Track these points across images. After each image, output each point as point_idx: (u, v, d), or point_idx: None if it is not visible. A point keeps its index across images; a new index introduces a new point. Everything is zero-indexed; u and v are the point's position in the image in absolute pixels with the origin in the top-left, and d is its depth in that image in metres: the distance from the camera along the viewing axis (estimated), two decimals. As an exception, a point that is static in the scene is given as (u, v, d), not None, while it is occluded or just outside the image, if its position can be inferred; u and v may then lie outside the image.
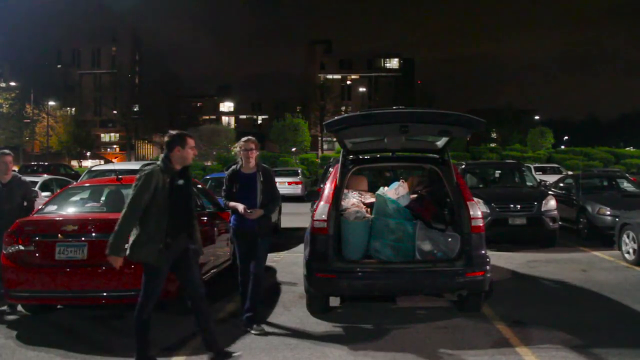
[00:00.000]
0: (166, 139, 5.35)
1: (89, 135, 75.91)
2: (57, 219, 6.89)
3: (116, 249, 5.04)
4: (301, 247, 7.57)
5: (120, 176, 7.99)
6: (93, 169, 15.69)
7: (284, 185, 25.43)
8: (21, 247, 6.52)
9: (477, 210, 6.82)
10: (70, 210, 7.37)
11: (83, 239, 6.47)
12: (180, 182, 5.31)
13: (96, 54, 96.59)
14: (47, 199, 8.58)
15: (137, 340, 5.27)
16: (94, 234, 6.51)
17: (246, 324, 6.40)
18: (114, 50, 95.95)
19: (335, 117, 6.44)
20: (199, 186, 9.36)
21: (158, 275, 5.27)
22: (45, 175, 17.55)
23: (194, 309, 5.45)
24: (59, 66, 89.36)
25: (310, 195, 8.97)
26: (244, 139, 6.63)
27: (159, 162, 5.27)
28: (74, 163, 66.81)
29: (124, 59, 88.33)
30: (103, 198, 7.93)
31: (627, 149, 60.01)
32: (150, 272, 5.24)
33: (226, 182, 6.60)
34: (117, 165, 17.91)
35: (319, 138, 77.38)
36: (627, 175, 19.13)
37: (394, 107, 6.80)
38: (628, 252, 10.50)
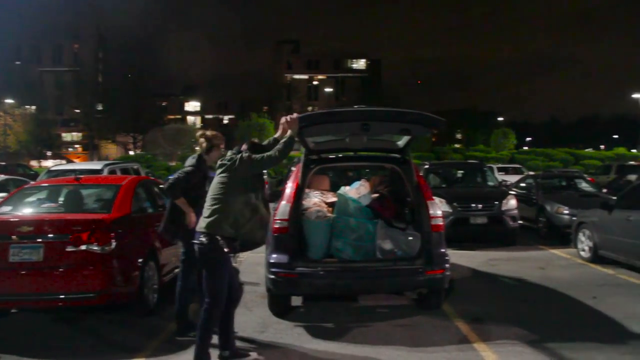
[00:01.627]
0: (247, 146, 5.51)
1: (49, 135, 74.48)
2: (11, 219, 6.73)
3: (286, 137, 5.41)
4: (264, 247, 7.57)
5: (79, 176, 7.89)
6: (52, 168, 15.47)
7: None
8: (-29, 249, 6.33)
9: (437, 209, 6.91)
10: (26, 211, 7.20)
11: (39, 240, 6.31)
12: None
13: (57, 51, 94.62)
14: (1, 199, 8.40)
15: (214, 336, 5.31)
16: (50, 235, 6.37)
17: None
18: (76, 47, 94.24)
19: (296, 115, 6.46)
20: (161, 186, 9.28)
21: (225, 266, 5.25)
22: (2, 176, 17.19)
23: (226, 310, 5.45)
24: (17, 62, 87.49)
25: (273, 195, 8.96)
26: (213, 132, 6.47)
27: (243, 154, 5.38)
28: (34, 163, 65.46)
29: (86, 57, 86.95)
30: (61, 198, 7.79)
31: (587, 150, 61.20)
32: (222, 263, 5.20)
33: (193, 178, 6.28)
34: (78, 165, 17.71)
35: (285, 138, 76.94)
36: (585, 175, 19.54)
37: (355, 106, 6.84)
38: (584, 250, 10.74)
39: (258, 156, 5.30)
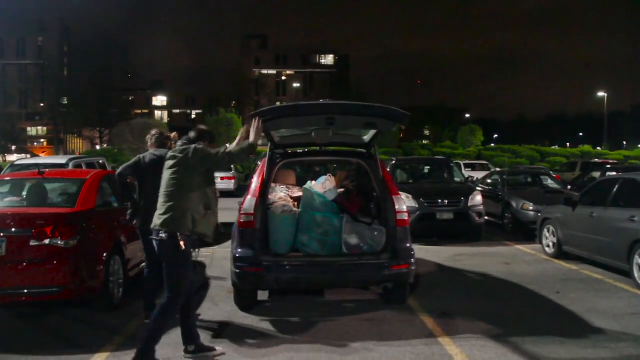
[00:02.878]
0: (195, 134, 5.49)
1: (14, 129, 73.29)
2: (-28, 214, 6.59)
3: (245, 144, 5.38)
4: (230, 241, 7.59)
5: (42, 170, 7.79)
6: (17, 163, 15.25)
7: (217, 180, 25.20)
8: None
9: (403, 204, 6.97)
10: (-12, 205, 7.08)
11: (1, 234, 6.23)
12: None
13: (21, 44, 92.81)
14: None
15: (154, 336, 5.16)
16: (13, 229, 6.29)
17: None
18: (41, 40, 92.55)
19: (261, 109, 6.45)
20: (128, 181, 9.20)
21: (188, 261, 5.26)
22: (-35, 170, 16.86)
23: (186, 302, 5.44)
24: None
25: (240, 190, 9.06)
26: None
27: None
28: (-2, 157, 64.34)
29: (51, 50, 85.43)
30: (24, 192, 7.68)
31: (553, 147, 62.16)
32: (184, 258, 5.17)
33: None
34: (43, 159, 17.44)
35: (254, 133, 76.77)
36: (551, 172, 19.87)
37: (321, 100, 6.88)
38: (548, 246, 10.92)
39: (213, 151, 5.26)
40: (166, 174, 5.25)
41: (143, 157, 6.71)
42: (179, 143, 5.43)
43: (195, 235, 5.23)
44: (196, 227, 5.15)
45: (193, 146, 5.24)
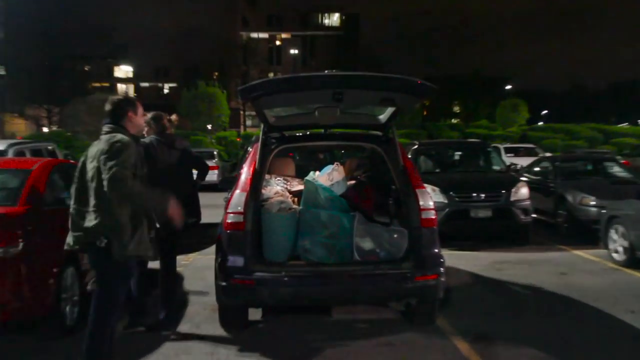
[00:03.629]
0: (110, 106, 5.47)
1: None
2: None
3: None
4: (214, 247, 7.57)
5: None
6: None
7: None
8: None
9: (429, 199, 6.96)
10: None
11: None
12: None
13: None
14: None
15: None
16: None
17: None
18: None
19: (252, 82, 6.43)
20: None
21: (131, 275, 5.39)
22: None
23: None
24: None
25: (225, 182, 9.00)
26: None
27: (120, 135, 5.25)
28: None
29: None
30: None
31: (620, 125, 61.91)
32: (126, 273, 5.29)
33: None
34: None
35: (241, 112, 77.03)
36: (617, 157, 19.77)
37: (326, 71, 6.84)
38: (616, 251, 10.85)
39: (128, 174, 5.08)
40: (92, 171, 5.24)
41: (150, 143, 7.10)
42: (105, 128, 5.41)
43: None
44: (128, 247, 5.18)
45: (115, 145, 5.15)
